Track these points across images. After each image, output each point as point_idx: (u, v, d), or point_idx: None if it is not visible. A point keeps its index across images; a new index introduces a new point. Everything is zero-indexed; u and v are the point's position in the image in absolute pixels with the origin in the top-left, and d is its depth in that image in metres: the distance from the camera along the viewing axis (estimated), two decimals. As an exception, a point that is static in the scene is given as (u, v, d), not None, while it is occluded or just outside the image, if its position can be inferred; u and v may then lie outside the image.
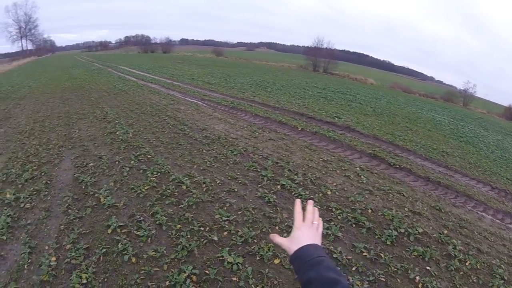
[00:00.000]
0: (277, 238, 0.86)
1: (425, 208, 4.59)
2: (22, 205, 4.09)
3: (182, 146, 6.22)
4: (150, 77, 17.79)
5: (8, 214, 3.85)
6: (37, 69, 26.72)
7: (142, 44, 75.94)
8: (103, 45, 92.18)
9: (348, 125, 8.75)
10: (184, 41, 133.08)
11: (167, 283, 2.80)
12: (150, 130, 7.28)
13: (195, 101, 11.17)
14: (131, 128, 7.41)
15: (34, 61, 43.14)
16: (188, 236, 3.43)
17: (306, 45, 40.89)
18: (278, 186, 4.68)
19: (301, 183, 4.85)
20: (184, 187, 4.50)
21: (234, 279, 2.89)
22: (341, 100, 13.75)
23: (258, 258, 3.16)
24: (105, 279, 2.84)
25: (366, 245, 3.47)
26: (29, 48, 61.90)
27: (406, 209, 4.46)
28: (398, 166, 6.18)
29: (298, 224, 0.86)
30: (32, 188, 4.49)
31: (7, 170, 5.11)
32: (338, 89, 17.79)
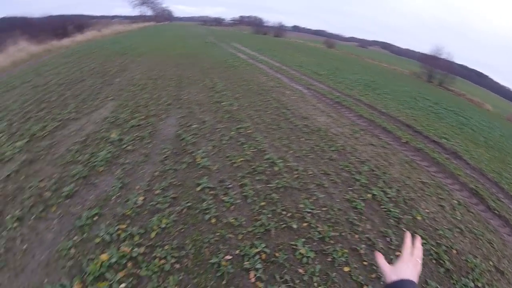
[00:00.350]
0: (381, 260, 0.98)
1: (510, 269, 3.91)
2: (124, 146, 4.83)
3: (282, 129, 6.42)
4: (260, 58, 18.63)
5: (110, 150, 4.61)
6: (155, 33, 30.53)
7: (255, 25, 79.41)
8: (218, 21, 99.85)
9: (455, 150, 7.75)
10: (296, 28, 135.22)
11: (237, 251, 2.97)
12: (253, 107, 7.72)
13: (300, 88, 11.30)
14: (237, 101, 8.01)
15: (152, 26, 49.66)
16: (269, 216, 3.55)
17: (422, 52, 37.08)
18: (369, 195, 4.48)
19: (393, 199, 4.54)
20: (276, 168, 4.65)
21: (300, 271, 2.90)
22: (453, 121, 12.20)
23: (329, 259, 3.11)
24: (182, 230, 3.16)
25: (438, 286, 3.17)
26: (148, 14, 71.47)
27: (491, 263, 3.87)
28: (497, 212, 5.29)
29: (406, 257, 0.98)
30: (136, 134, 5.25)
31: (116, 114, 6.07)
32: (451, 108, 15.71)
